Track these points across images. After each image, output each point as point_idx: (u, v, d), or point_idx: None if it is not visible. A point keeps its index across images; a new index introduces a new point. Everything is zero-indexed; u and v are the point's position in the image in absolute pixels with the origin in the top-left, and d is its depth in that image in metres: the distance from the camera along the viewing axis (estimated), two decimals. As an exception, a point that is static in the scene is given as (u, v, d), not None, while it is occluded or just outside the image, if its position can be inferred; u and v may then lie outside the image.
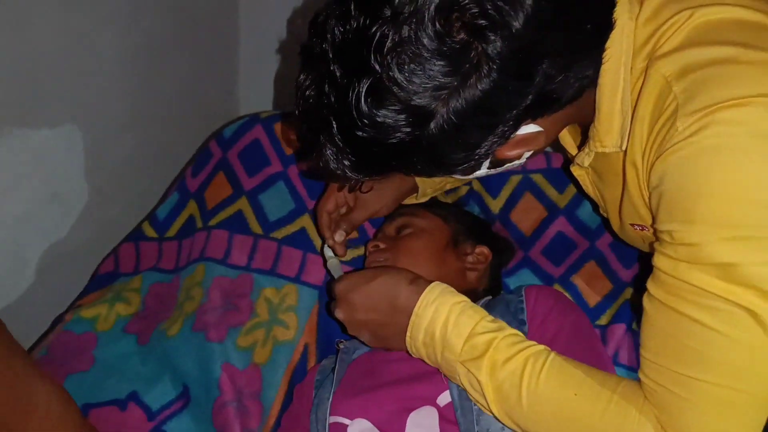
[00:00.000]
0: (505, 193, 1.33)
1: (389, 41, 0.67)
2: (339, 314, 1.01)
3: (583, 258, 1.24)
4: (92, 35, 1.28)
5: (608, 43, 0.77)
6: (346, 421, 0.99)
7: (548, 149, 1.30)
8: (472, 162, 0.78)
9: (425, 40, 0.67)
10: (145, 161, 1.53)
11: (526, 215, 1.32)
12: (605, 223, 1.11)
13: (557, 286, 1.21)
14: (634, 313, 1.13)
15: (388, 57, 0.67)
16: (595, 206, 1.06)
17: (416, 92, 0.68)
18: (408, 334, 0.94)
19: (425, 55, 0.67)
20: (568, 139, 1.00)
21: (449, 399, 0.96)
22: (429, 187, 1.21)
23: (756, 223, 0.68)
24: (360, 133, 0.72)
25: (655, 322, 0.78)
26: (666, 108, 0.73)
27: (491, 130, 0.74)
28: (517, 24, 0.66)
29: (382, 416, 0.97)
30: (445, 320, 0.92)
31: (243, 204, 1.30)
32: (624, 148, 0.81)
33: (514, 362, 0.87)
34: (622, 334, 1.13)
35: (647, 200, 0.80)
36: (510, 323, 0.98)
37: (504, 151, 0.79)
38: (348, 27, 0.69)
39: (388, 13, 0.67)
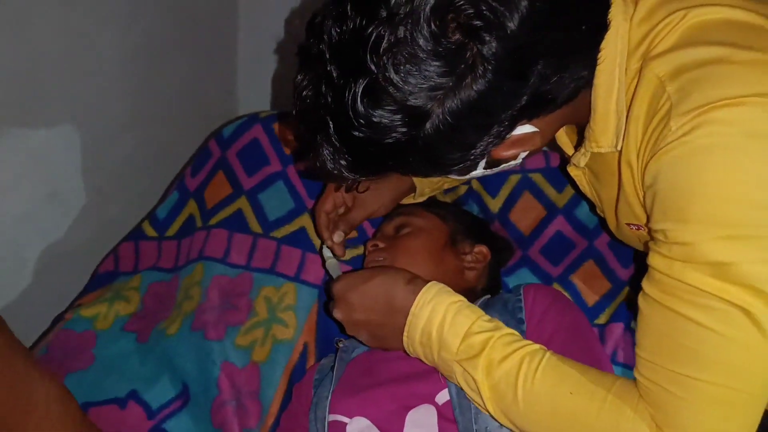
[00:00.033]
0: (504, 192, 1.33)
1: (385, 42, 0.67)
2: (337, 314, 1.01)
3: (581, 257, 1.24)
4: (92, 35, 1.28)
5: (603, 44, 0.77)
6: (344, 419, 0.99)
7: (546, 149, 1.30)
8: (468, 162, 0.79)
9: (421, 41, 0.67)
10: (144, 161, 1.53)
11: (525, 214, 1.32)
12: (602, 222, 1.11)
13: (556, 286, 1.21)
14: (630, 312, 1.13)
15: (384, 57, 0.68)
16: (592, 206, 1.06)
17: (412, 92, 0.69)
18: (405, 333, 0.94)
19: (421, 55, 0.67)
20: (564, 139, 1.00)
21: (448, 397, 0.96)
22: (426, 186, 1.21)
23: (749, 222, 0.69)
24: (356, 133, 0.72)
25: (650, 321, 0.78)
26: (660, 108, 0.73)
27: (486, 131, 0.74)
28: (512, 25, 0.67)
29: (381, 414, 0.98)
30: (441, 320, 0.92)
31: (242, 203, 1.31)
32: (619, 148, 0.82)
33: (510, 361, 0.87)
34: (621, 333, 1.13)
35: (642, 200, 0.81)
36: (508, 322, 0.98)
37: (500, 151, 0.80)
38: (344, 28, 0.70)
39: (384, 14, 0.67)
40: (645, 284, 0.78)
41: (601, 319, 1.17)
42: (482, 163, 0.82)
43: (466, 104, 0.70)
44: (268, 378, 1.17)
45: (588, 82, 0.79)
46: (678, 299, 0.73)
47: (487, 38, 0.67)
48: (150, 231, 1.38)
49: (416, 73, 0.68)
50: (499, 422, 0.90)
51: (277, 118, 1.36)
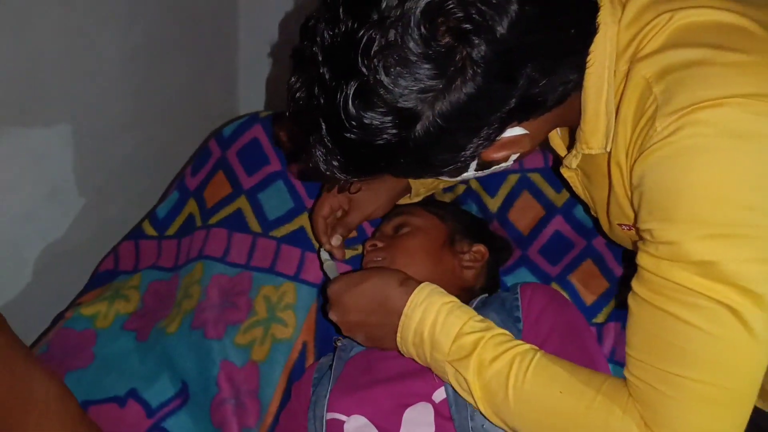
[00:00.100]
0: (503, 191, 1.33)
1: (376, 45, 0.68)
2: (332, 316, 1.01)
3: (580, 257, 1.24)
4: (92, 35, 1.29)
5: (592, 47, 0.77)
6: (342, 417, 1.00)
7: (546, 149, 1.30)
8: (459, 164, 0.79)
9: (411, 44, 0.67)
10: (144, 161, 1.53)
11: (524, 214, 1.31)
12: (596, 223, 1.11)
13: (554, 285, 1.21)
14: (620, 311, 1.14)
15: (375, 60, 0.68)
16: (587, 207, 1.06)
17: (402, 95, 0.69)
18: (398, 334, 0.95)
19: (411, 58, 0.68)
20: (557, 141, 1.00)
21: (444, 395, 0.96)
22: (422, 186, 1.21)
23: (733, 221, 0.69)
24: (348, 135, 0.73)
25: (639, 320, 0.78)
26: (647, 109, 0.73)
27: (476, 133, 0.75)
28: (501, 28, 0.67)
29: (378, 413, 0.98)
30: (433, 321, 0.92)
31: (242, 203, 1.31)
32: (609, 149, 0.82)
33: (501, 361, 0.87)
34: (619, 332, 1.14)
35: (631, 200, 0.81)
36: (505, 321, 0.99)
37: (490, 153, 0.80)
38: (336, 31, 0.70)
39: (375, 17, 0.68)
40: (634, 284, 0.79)
41: (599, 318, 1.17)
42: (473, 165, 0.83)
43: (455, 107, 0.70)
44: (268, 377, 1.18)
45: (577, 85, 0.79)
46: (666, 298, 0.74)
47: (477, 41, 0.67)
48: (150, 230, 1.38)
49: (407, 75, 0.68)
50: (491, 421, 0.90)
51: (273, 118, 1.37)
